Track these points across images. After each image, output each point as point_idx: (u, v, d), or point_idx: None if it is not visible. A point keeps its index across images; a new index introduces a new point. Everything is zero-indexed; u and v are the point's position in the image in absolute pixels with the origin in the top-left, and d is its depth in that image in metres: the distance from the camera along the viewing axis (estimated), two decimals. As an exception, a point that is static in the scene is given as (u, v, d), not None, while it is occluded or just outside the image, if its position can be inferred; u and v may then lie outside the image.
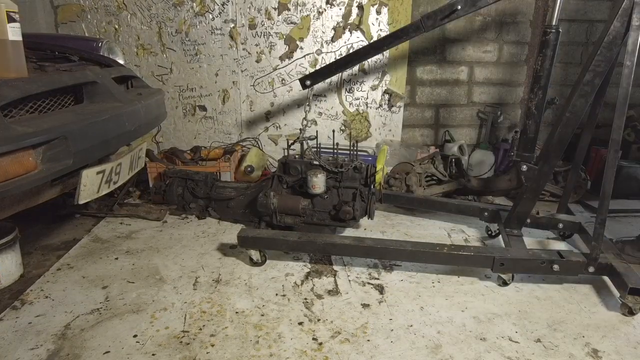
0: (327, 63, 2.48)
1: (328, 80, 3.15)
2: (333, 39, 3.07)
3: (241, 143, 3.26)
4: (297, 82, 3.09)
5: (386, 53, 3.11)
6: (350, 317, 1.65)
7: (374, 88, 3.20)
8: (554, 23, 1.72)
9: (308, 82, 2.41)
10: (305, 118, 2.67)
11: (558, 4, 1.71)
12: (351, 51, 2.61)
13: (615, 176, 2.87)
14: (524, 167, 1.90)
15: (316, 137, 2.42)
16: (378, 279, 1.93)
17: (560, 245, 2.32)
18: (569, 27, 3.25)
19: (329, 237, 1.94)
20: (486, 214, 2.32)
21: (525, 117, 1.87)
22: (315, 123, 3.25)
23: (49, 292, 1.78)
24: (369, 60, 3.12)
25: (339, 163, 2.19)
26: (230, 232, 2.38)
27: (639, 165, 3.05)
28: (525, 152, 1.90)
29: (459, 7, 1.92)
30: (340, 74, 3.14)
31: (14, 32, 1.41)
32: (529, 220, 2.15)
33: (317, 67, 3.08)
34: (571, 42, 3.29)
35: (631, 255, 2.02)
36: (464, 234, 2.43)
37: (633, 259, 2.01)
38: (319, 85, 3.17)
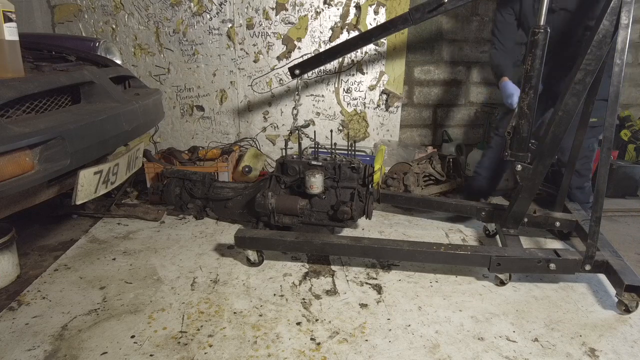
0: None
1: (326, 81, 3.16)
2: (331, 39, 3.07)
3: (239, 143, 3.25)
4: (295, 82, 3.11)
5: (384, 53, 3.12)
6: (349, 317, 1.65)
7: (371, 88, 3.21)
8: (542, 23, 1.73)
9: (297, 72, 2.42)
10: (295, 107, 2.69)
11: (545, 4, 1.72)
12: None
13: (612, 176, 2.92)
14: (519, 167, 1.91)
15: (309, 125, 2.42)
16: (376, 278, 1.93)
17: (557, 244, 2.33)
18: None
19: (326, 237, 1.94)
20: (483, 213, 2.32)
21: (518, 116, 1.88)
22: (313, 123, 3.25)
23: (46, 292, 1.78)
24: (367, 60, 3.13)
25: (337, 163, 2.20)
26: (228, 232, 2.37)
27: (635, 164, 3.07)
28: (519, 151, 1.91)
29: (446, 0, 1.96)
30: (338, 74, 3.14)
31: (10, 32, 1.40)
32: (525, 220, 2.16)
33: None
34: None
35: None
36: (461, 233, 2.43)
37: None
38: (317, 85, 3.18)
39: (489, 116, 3.37)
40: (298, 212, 2.16)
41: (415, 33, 3.17)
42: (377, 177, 2.79)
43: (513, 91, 2.27)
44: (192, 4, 2.93)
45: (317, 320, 1.63)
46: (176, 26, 2.98)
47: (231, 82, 3.14)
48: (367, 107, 3.25)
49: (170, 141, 3.25)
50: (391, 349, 1.48)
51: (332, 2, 2.99)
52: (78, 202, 1.59)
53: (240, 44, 3.05)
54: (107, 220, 2.49)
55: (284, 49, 3.08)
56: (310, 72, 3.05)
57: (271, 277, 1.92)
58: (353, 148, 2.31)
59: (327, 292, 1.82)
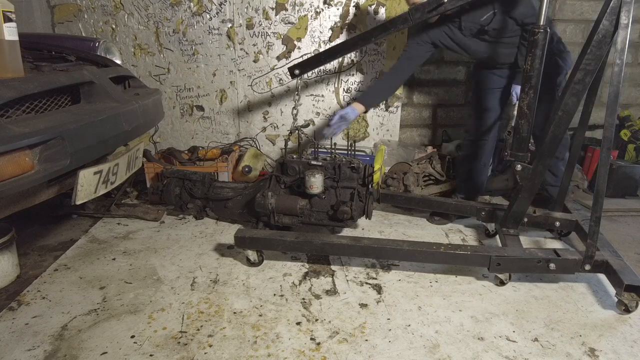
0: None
1: (326, 81, 3.16)
2: (331, 39, 3.07)
3: (239, 143, 3.25)
4: (295, 82, 3.11)
5: (384, 53, 3.12)
6: (348, 317, 1.65)
7: (371, 88, 3.20)
8: (541, 23, 1.73)
9: (297, 72, 2.42)
10: (295, 107, 2.69)
11: (545, 4, 1.72)
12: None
13: (612, 176, 2.92)
14: (519, 167, 1.91)
15: (309, 125, 2.41)
16: (376, 278, 1.93)
17: (557, 244, 2.33)
18: (565, 27, 3.26)
19: (326, 237, 1.94)
20: (483, 213, 2.32)
21: (518, 116, 1.88)
22: (313, 123, 3.25)
23: (46, 292, 1.78)
24: (367, 60, 3.12)
25: (336, 163, 2.20)
26: (228, 232, 2.37)
27: (635, 164, 3.07)
28: (519, 151, 1.91)
29: (446, 0, 1.97)
30: (338, 74, 3.14)
31: (10, 32, 1.40)
32: (525, 220, 2.16)
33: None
34: (569, 43, 3.29)
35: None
36: (461, 233, 2.43)
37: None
38: (317, 85, 3.17)
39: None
40: (298, 212, 2.16)
41: (415, 33, 3.17)
42: (377, 177, 2.79)
43: (345, 120, 2.41)
44: (192, 4, 2.93)
45: (317, 320, 1.63)
46: (176, 26, 2.98)
47: (231, 82, 3.14)
48: (367, 107, 3.24)
49: (170, 141, 3.25)
50: (391, 348, 1.48)
51: (332, 2, 2.99)
52: (78, 202, 1.59)
53: (240, 44, 3.05)
54: (107, 220, 2.49)
55: (284, 49, 3.08)
56: (310, 72, 3.05)
57: (271, 277, 1.92)
58: (353, 148, 2.31)
59: (327, 292, 1.82)
